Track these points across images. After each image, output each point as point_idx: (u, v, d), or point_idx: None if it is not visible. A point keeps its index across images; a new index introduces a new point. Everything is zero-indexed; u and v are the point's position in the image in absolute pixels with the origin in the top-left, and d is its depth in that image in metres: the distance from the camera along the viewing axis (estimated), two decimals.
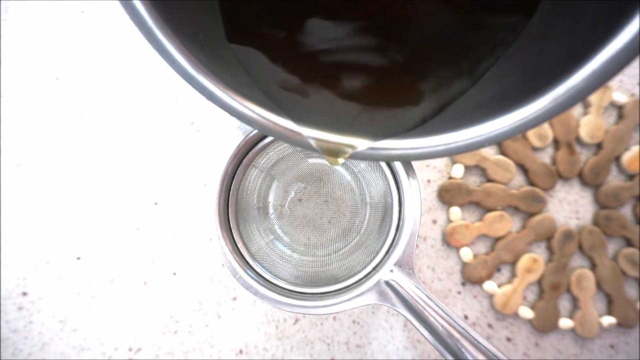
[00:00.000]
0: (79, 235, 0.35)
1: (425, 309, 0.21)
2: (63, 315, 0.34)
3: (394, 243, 0.24)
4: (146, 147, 0.35)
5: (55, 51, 0.36)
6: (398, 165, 0.24)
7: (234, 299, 0.34)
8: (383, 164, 0.25)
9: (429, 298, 0.21)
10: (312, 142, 0.15)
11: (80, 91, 0.36)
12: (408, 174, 0.23)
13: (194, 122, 0.36)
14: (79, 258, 0.34)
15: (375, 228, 0.27)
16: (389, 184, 0.25)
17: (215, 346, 0.34)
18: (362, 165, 0.28)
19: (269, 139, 0.25)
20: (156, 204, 0.35)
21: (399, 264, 0.23)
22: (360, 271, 0.24)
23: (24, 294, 0.34)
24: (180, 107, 0.36)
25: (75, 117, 0.36)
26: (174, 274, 0.34)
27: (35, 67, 0.36)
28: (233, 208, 0.25)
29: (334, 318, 0.34)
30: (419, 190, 0.24)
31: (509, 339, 0.35)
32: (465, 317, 0.35)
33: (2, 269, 0.34)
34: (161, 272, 0.34)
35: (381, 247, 0.24)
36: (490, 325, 0.35)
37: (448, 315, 0.21)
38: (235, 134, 0.36)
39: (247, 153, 0.25)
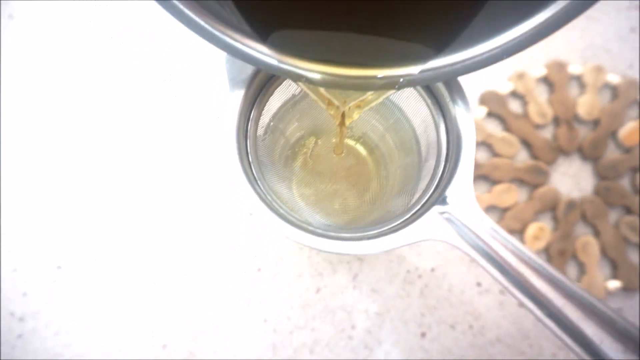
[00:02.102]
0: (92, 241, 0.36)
1: (490, 243, 0.19)
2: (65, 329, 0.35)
3: (445, 171, 0.22)
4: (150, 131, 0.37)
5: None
6: (439, 88, 0.22)
7: (258, 269, 0.36)
8: (419, 91, 0.24)
9: (494, 230, 0.19)
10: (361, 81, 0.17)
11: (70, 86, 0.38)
12: (452, 93, 0.22)
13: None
14: (95, 260, 0.36)
15: (415, 165, 0.27)
16: (431, 111, 0.24)
17: (238, 316, 0.35)
18: (393, 98, 0.27)
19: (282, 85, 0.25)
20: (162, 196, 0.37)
21: (455, 195, 0.21)
22: (408, 209, 0.23)
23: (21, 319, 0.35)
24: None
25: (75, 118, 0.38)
26: (195, 246, 0.36)
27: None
28: (256, 163, 0.24)
29: (354, 287, 0.36)
30: (470, 108, 0.22)
31: (521, 305, 0.36)
32: (479, 284, 0.36)
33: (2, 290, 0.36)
34: (188, 246, 0.36)
35: (431, 180, 0.23)
36: (502, 292, 0.36)
37: (519, 248, 0.19)
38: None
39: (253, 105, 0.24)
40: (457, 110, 0.22)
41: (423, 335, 0.35)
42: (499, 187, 0.37)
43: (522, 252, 0.19)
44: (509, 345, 0.36)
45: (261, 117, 0.25)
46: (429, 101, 0.24)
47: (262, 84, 0.24)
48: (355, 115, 0.22)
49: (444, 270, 0.36)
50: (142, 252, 0.36)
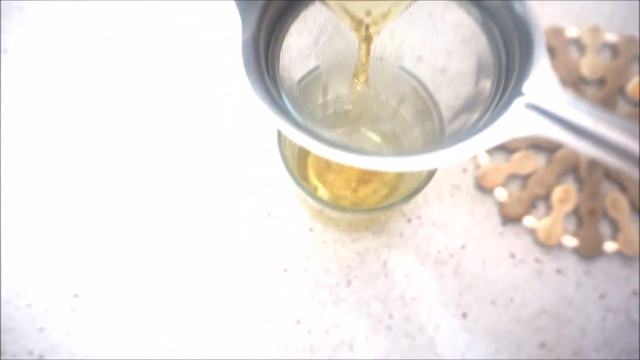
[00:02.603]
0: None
1: (591, 125, 0.16)
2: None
3: (513, 66, 0.20)
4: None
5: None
6: None
7: (284, 270, 0.34)
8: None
9: (593, 108, 0.17)
10: None
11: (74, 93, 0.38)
12: None
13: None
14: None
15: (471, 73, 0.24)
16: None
17: (271, 320, 0.33)
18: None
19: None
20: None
21: (535, 82, 0.18)
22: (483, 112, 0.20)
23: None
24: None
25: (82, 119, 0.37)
26: (220, 248, 0.35)
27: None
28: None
29: (385, 275, 0.34)
30: None
31: (558, 271, 0.35)
32: (512, 255, 0.35)
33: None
34: (213, 247, 0.35)
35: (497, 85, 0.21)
36: (537, 260, 0.35)
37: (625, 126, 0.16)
38: None
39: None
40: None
41: (464, 315, 0.34)
42: (517, 155, 0.36)
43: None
44: (554, 315, 0.34)
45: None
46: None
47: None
48: (384, 24, 0.21)
49: (475, 246, 0.35)
50: (167, 268, 0.34)
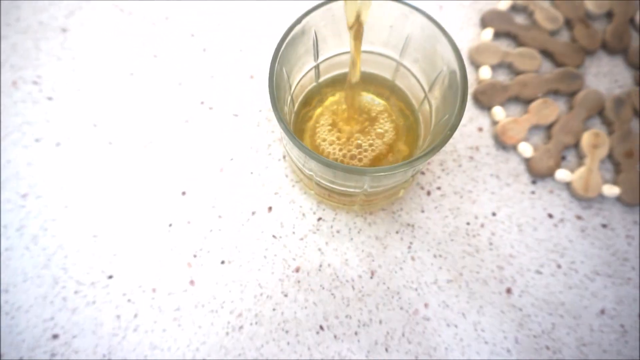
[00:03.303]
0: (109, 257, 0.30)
1: None
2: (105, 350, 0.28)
3: None
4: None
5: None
6: None
7: (296, 269, 0.29)
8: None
9: None
10: None
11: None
12: None
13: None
14: (110, 276, 0.29)
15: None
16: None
17: (290, 331, 0.28)
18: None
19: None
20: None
21: None
22: None
23: (55, 336, 0.28)
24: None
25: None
26: (228, 261, 0.30)
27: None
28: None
29: (412, 259, 0.30)
30: None
31: (604, 226, 0.31)
32: (550, 215, 0.31)
33: (24, 314, 0.28)
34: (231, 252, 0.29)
35: None
36: (579, 217, 0.31)
37: None
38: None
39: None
40: None
41: (509, 291, 0.29)
42: (535, 104, 0.32)
43: None
44: (609, 275, 0.30)
45: None
46: None
47: None
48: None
49: (507, 211, 0.31)
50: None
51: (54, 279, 0.29)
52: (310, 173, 0.25)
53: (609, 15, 0.36)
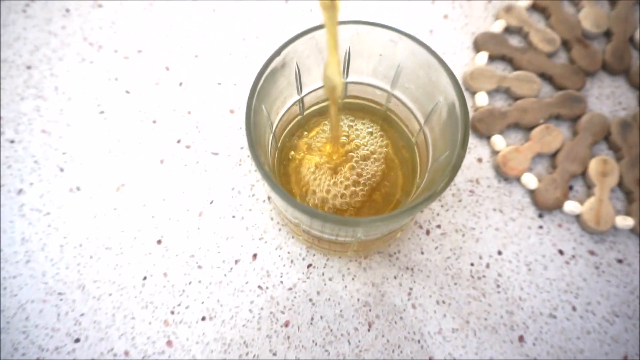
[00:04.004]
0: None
1: None
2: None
3: None
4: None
5: None
6: None
7: (285, 324, 0.26)
8: None
9: None
10: None
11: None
12: None
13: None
14: (77, 340, 0.26)
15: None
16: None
17: None
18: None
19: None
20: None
21: None
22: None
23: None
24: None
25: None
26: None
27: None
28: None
29: (414, 306, 0.27)
30: None
31: (620, 261, 0.28)
32: (560, 251, 0.28)
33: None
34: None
35: None
36: (592, 252, 0.28)
37: None
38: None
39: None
40: None
41: (521, 339, 0.26)
42: (537, 131, 0.30)
43: None
44: (630, 317, 0.27)
45: None
46: None
47: None
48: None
49: (514, 248, 0.28)
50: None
51: (12, 345, 0.26)
52: (297, 221, 0.22)
53: (608, 34, 0.34)
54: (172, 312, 0.27)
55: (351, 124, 0.26)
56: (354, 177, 0.25)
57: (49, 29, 0.34)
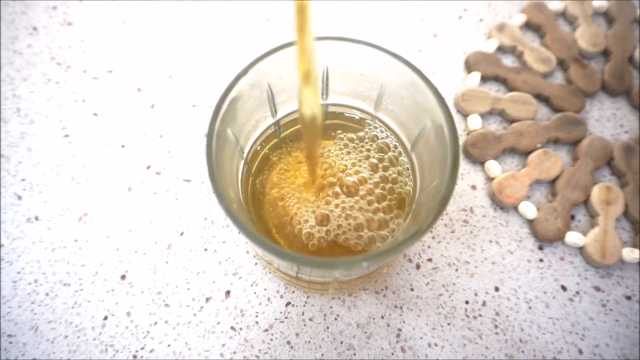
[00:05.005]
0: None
1: None
2: None
3: None
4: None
5: None
6: None
7: None
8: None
9: None
10: None
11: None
12: None
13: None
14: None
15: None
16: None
17: None
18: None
19: None
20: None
21: None
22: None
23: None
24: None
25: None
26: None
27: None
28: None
29: (402, 350, 0.24)
30: None
31: (628, 297, 0.26)
32: (563, 287, 0.26)
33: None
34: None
35: None
36: (597, 288, 0.26)
37: None
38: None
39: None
40: None
41: None
42: (534, 156, 0.28)
43: None
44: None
45: None
46: None
47: None
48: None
49: (512, 284, 0.26)
50: None
51: None
52: (268, 259, 0.20)
53: (606, 53, 0.32)
54: (135, 357, 0.24)
55: (331, 148, 0.24)
56: (334, 212, 0.22)
57: (14, 47, 0.32)
